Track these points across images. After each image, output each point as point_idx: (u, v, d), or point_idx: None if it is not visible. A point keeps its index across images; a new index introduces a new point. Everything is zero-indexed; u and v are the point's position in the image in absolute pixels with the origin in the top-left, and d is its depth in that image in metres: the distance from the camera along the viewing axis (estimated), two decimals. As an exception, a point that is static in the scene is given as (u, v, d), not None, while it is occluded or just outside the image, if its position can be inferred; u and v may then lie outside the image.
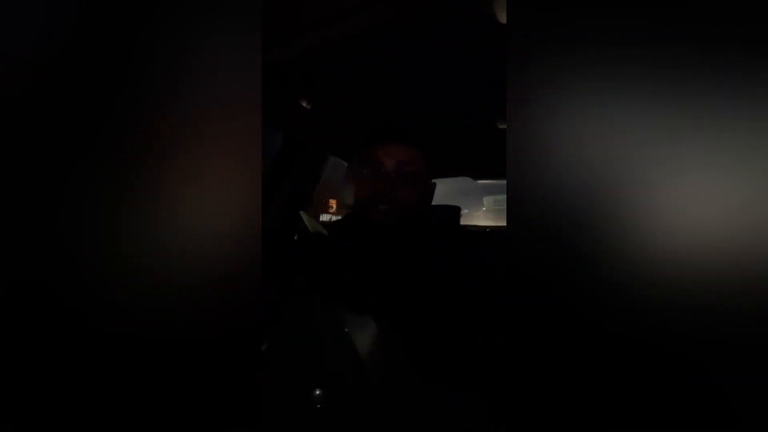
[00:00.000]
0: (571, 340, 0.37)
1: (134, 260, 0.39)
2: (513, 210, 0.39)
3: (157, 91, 0.39)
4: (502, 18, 0.67)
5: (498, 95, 0.98)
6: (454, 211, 0.98)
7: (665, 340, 0.35)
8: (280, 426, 0.65)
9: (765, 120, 0.33)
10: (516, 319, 0.38)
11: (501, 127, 1.19)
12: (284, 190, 1.55)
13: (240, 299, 0.40)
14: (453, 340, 0.72)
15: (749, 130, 0.34)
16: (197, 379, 0.39)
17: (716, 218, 0.34)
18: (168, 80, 0.39)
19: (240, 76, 0.41)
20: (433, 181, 0.91)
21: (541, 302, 0.38)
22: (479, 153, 1.47)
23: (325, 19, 0.73)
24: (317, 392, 0.66)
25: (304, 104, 1.11)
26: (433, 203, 0.92)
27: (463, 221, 1.10)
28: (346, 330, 0.73)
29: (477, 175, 1.85)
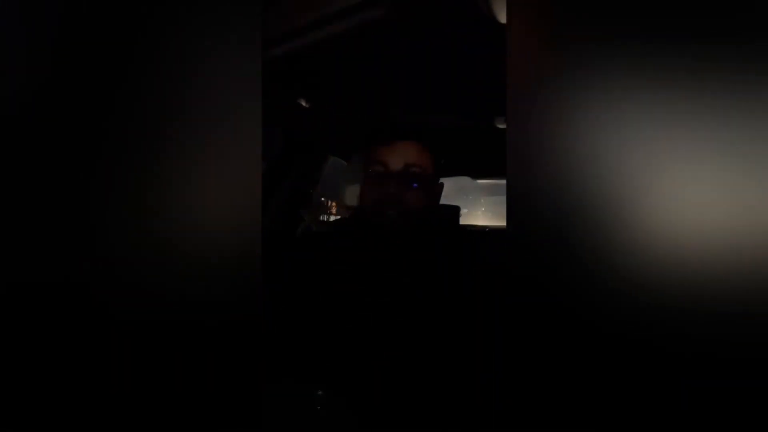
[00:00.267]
0: (571, 340, 0.37)
1: (134, 260, 0.39)
2: (513, 210, 0.39)
3: (157, 91, 0.39)
4: (502, 18, 0.67)
5: (498, 95, 0.98)
6: (454, 211, 0.98)
7: (665, 339, 0.35)
8: (280, 426, 0.65)
9: (766, 119, 0.33)
10: (516, 319, 0.38)
11: (501, 127, 1.19)
12: (284, 190, 1.55)
13: (240, 299, 0.40)
14: (453, 340, 0.72)
15: (751, 130, 0.34)
16: (197, 379, 0.39)
17: (717, 218, 0.34)
18: (168, 80, 0.39)
19: (240, 76, 0.41)
20: (441, 181, 0.90)
21: (541, 302, 0.38)
22: (479, 153, 1.47)
23: (325, 19, 0.73)
24: (319, 392, 0.65)
25: (304, 104, 1.10)
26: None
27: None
28: (346, 330, 0.73)
29: (476, 175, 1.85)
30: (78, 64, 0.38)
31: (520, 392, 0.38)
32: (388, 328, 0.73)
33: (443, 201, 0.93)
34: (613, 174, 0.36)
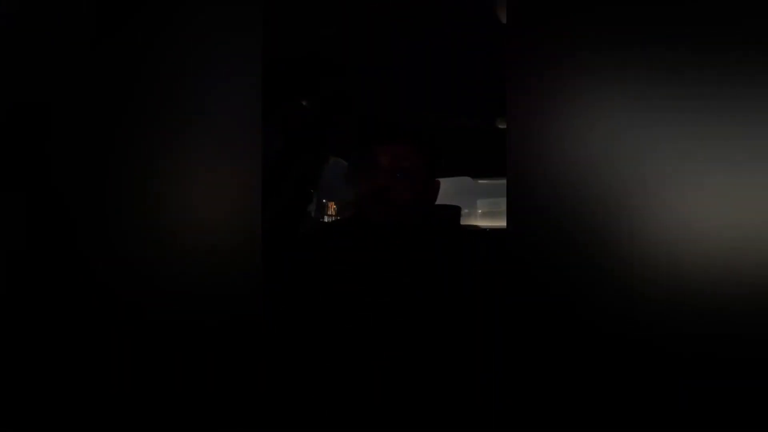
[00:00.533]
0: (571, 339, 0.37)
1: (134, 260, 0.39)
2: (513, 210, 0.39)
3: (158, 92, 0.39)
4: (503, 17, 0.67)
5: (498, 95, 0.98)
6: (455, 211, 0.98)
7: (665, 339, 0.35)
8: (280, 426, 0.65)
9: (766, 119, 0.33)
10: (516, 319, 0.38)
11: (501, 126, 1.19)
12: (285, 191, 1.55)
13: (240, 299, 0.40)
14: (453, 340, 0.72)
15: (751, 130, 0.34)
16: (198, 379, 0.39)
17: (717, 218, 0.34)
18: (168, 81, 0.39)
19: (240, 76, 0.41)
20: (438, 179, 0.90)
21: (541, 302, 0.38)
22: (479, 152, 1.47)
23: (325, 19, 0.73)
24: None
25: (304, 104, 1.10)
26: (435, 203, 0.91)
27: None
28: (346, 330, 0.73)
29: (476, 175, 1.85)
30: (79, 64, 0.38)
31: (520, 392, 0.38)
32: (388, 328, 0.73)
33: (442, 201, 0.93)
34: (613, 174, 0.36)
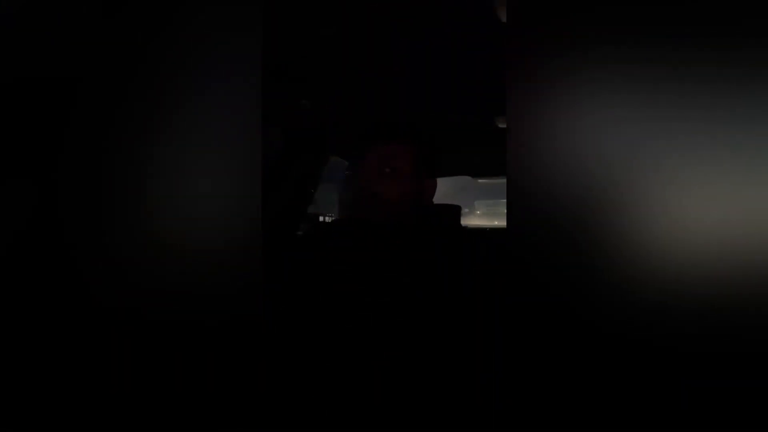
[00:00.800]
0: (571, 339, 0.37)
1: (133, 260, 0.39)
2: (513, 210, 0.39)
3: (158, 92, 0.39)
4: (503, 17, 0.67)
5: (498, 95, 0.98)
6: (455, 211, 0.98)
7: (665, 339, 0.35)
8: (280, 426, 0.65)
9: (766, 119, 0.33)
10: (516, 319, 0.38)
11: (501, 126, 1.19)
12: (285, 191, 1.55)
13: (240, 299, 0.40)
14: (453, 340, 0.72)
15: (751, 130, 0.34)
16: (198, 380, 0.39)
17: (717, 218, 0.34)
18: (168, 80, 0.39)
19: (240, 76, 0.41)
20: (434, 180, 0.90)
21: (541, 302, 0.38)
22: (479, 152, 1.47)
23: (325, 19, 0.73)
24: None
25: (304, 104, 1.11)
26: (435, 203, 0.91)
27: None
28: (346, 330, 0.73)
29: (476, 174, 1.85)
30: (78, 64, 0.38)
31: (520, 392, 0.38)
32: (388, 328, 0.73)
33: (443, 201, 0.93)
34: (613, 173, 0.36)
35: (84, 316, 0.38)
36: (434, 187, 0.90)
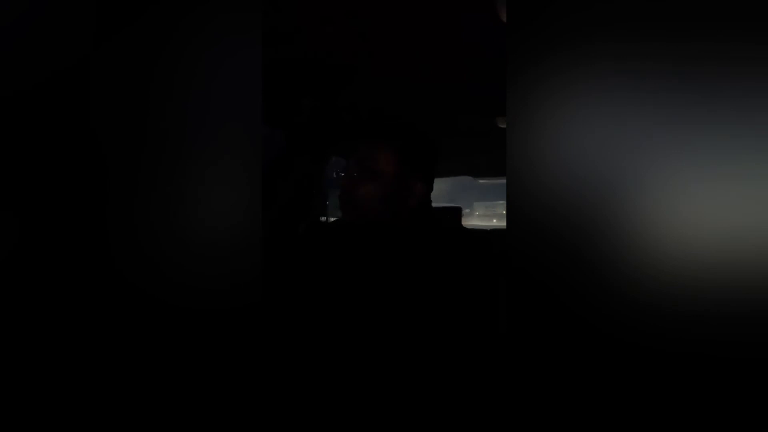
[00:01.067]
0: (571, 339, 0.37)
1: (132, 261, 0.39)
2: (513, 210, 0.39)
3: (158, 92, 0.39)
4: (503, 16, 0.67)
5: (498, 95, 0.98)
6: (455, 212, 0.98)
7: (665, 339, 0.35)
8: (280, 426, 0.65)
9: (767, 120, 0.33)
10: (516, 319, 0.38)
11: (501, 126, 1.19)
12: (285, 190, 1.54)
13: (240, 299, 0.40)
14: (453, 340, 0.72)
15: (753, 131, 0.34)
16: (197, 379, 0.39)
17: (718, 218, 0.34)
18: (168, 80, 0.39)
19: (240, 76, 0.41)
20: (420, 183, 0.86)
21: (542, 302, 0.38)
22: (479, 152, 1.47)
23: (325, 19, 0.73)
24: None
25: (304, 104, 1.11)
26: (434, 204, 0.91)
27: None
28: (346, 330, 0.73)
29: (476, 174, 1.86)
30: (78, 64, 0.38)
31: (520, 393, 0.38)
32: (387, 328, 0.73)
33: (444, 202, 0.93)
34: (614, 173, 0.36)
35: (81, 317, 0.38)
36: (421, 187, 0.83)
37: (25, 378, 0.37)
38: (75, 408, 0.37)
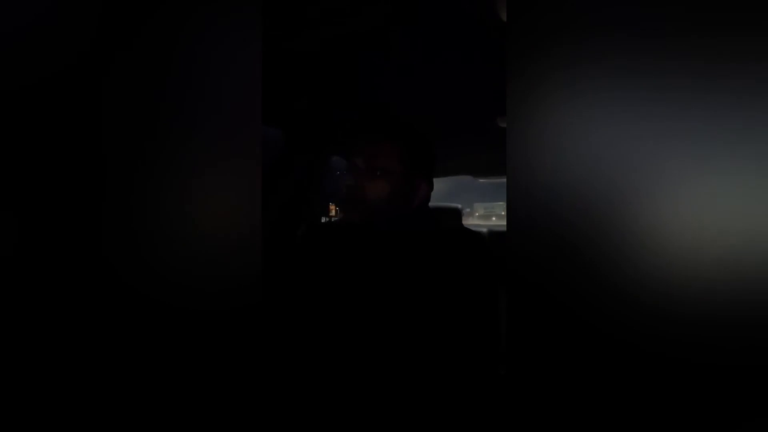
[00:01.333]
0: (572, 339, 0.37)
1: (131, 261, 0.39)
2: (513, 210, 0.39)
3: (157, 91, 0.39)
4: (503, 16, 0.67)
5: (498, 95, 0.98)
6: (455, 212, 0.98)
7: (665, 339, 0.35)
8: (280, 426, 0.65)
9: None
10: (516, 319, 0.38)
11: (502, 125, 1.19)
12: (284, 190, 1.54)
13: (240, 299, 0.40)
14: (453, 340, 0.72)
15: (754, 131, 0.34)
16: (198, 380, 0.39)
17: (718, 218, 0.34)
18: (169, 80, 0.39)
19: (240, 75, 0.41)
20: (423, 182, 0.87)
21: (542, 302, 0.38)
22: (479, 151, 1.47)
23: (326, 18, 0.73)
24: None
25: (304, 103, 1.11)
26: (433, 203, 0.91)
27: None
28: (346, 330, 0.73)
29: (477, 174, 1.86)
30: (77, 63, 0.38)
31: (521, 393, 0.38)
32: (386, 328, 0.73)
33: (444, 202, 0.93)
34: (613, 173, 0.36)
35: (80, 317, 0.38)
36: (424, 189, 0.84)
37: (24, 379, 0.37)
38: (75, 408, 0.37)
